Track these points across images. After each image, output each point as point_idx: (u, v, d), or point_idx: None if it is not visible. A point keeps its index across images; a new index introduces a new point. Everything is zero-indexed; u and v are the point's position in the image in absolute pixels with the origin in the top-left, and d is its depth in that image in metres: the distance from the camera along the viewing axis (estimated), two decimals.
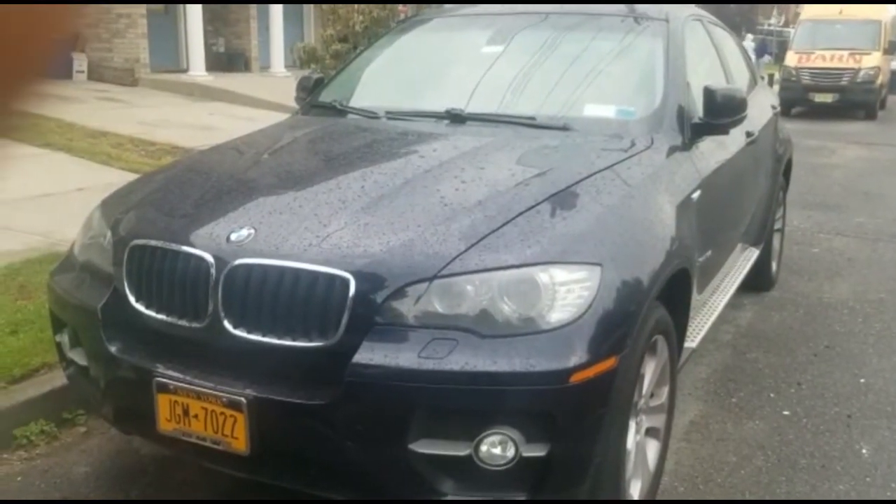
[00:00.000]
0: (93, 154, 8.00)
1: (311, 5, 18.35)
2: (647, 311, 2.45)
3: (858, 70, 17.74)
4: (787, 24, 43.60)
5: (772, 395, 3.82)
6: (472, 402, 2.13)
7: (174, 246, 2.43)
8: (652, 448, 2.82)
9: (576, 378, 2.13)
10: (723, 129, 3.37)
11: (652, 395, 2.77)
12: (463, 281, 2.20)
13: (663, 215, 2.78)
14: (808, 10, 20.00)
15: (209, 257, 2.33)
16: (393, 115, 3.49)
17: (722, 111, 3.31)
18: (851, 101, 17.86)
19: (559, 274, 2.24)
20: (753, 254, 4.71)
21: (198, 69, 15.11)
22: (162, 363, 2.40)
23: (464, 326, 2.16)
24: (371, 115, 3.53)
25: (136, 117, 10.88)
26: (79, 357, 2.73)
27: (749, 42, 27.53)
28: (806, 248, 6.58)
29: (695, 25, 4.09)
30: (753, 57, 24.55)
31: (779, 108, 5.17)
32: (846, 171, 10.61)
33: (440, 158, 2.88)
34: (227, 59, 17.45)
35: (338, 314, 2.19)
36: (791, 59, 18.72)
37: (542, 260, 2.25)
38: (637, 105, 3.37)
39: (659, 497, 2.88)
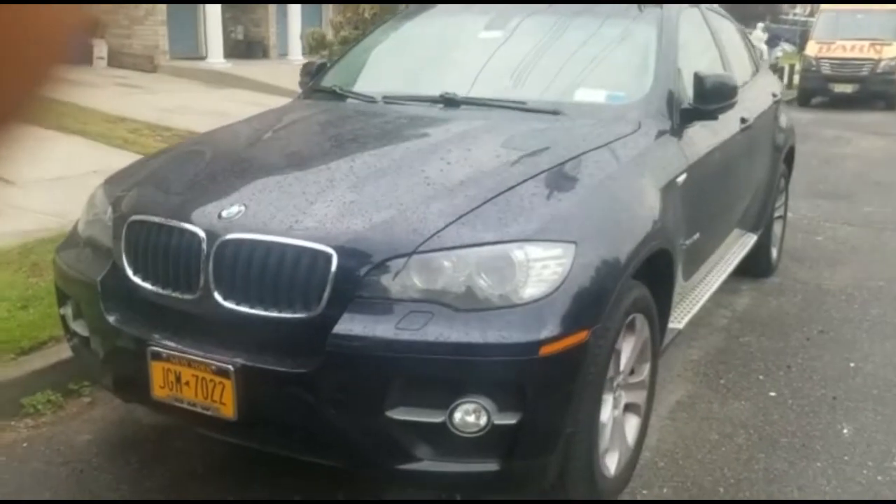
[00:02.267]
0: (109, 138, 8.15)
1: None
2: (623, 289, 2.53)
3: (879, 61, 17.57)
4: (812, 14, 43.14)
5: (760, 377, 3.89)
6: (446, 371, 2.23)
7: (169, 221, 2.54)
8: (631, 423, 2.91)
9: (545, 350, 2.22)
10: (711, 115, 3.43)
11: (632, 372, 2.86)
12: (441, 256, 2.29)
13: (644, 197, 2.86)
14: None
15: (201, 232, 2.44)
16: (390, 100, 3.59)
17: (711, 97, 3.37)
18: (871, 92, 17.69)
19: (534, 251, 2.33)
20: (751, 239, 4.77)
21: (216, 56, 15.27)
22: (156, 333, 2.52)
23: (441, 300, 2.25)
24: (369, 99, 3.63)
25: (153, 103, 11.04)
26: (81, 328, 2.86)
27: (760, 32, 27.25)
28: (810, 236, 6.60)
29: (691, 13, 4.14)
30: (764, 47, 24.29)
31: (780, 97, 5.20)
32: (860, 161, 10.56)
33: (429, 141, 2.97)
34: (245, 47, 17.61)
35: (320, 287, 2.29)
36: (812, 49, 18.56)
37: (518, 237, 2.34)
38: (627, 90, 3.44)
39: (638, 470, 2.97)
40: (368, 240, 2.33)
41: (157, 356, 2.47)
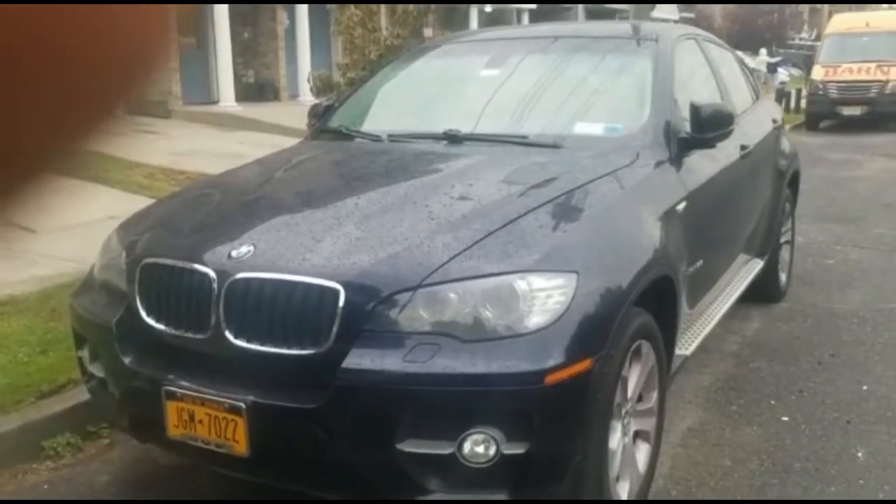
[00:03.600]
0: (125, 184, 8.31)
1: (339, 36, 18.73)
2: (626, 317, 2.57)
3: (887, 82, 17.61)
4: (818, 39, 43.36)
5: (772, 402, 3.89)
6: (454, 402, 2.28)
7: (181, 263, 2.62)
8: (642, 451, 2.93)
9: (551, 379, 2.26)
10: (709, 143, 3.49)
11: (640, 399, 2.89)
12: (446, 289, 2.35)
13: (644, 226, 2.91)
14: (834, 24, 19.93)
15: (212, 273, 2.51)
16: (395, 138, 3.67)
17: (707, 126, 3.44)
18: (880, 114, 17.70)
19: (537, 281, 2.38)
20: (757, 265, 4.79)
21: (228, 100, 15.54)
22: (170, 373, 2.58)
23: (447, 332, 2.30)
24: (374, 138, 3.72)
25: (168, 148, 11.24)
26: (98, 370, 2.92)
27: (764, 57, 27.40)
28: (821, 259, 6.61)
29: (688, 45, 4.23)
30: (766, 72, 24.28)
31: (780, 122, 5.25)
32: (870, 184, 10.57)
33: (433, 177, 3.05)
34: (257, 90, 17.91)
35: (329, 323, 2.35)
36: (818, 73, 18.64)
37: (521, 268, 2.40)
38: (625, 122, 3.51)
39: (652, 498, 2.98)
40: (375, 274, 2.39)
41: (171, 396, 2.52)
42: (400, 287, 2.35)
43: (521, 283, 2.36)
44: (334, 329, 2.34)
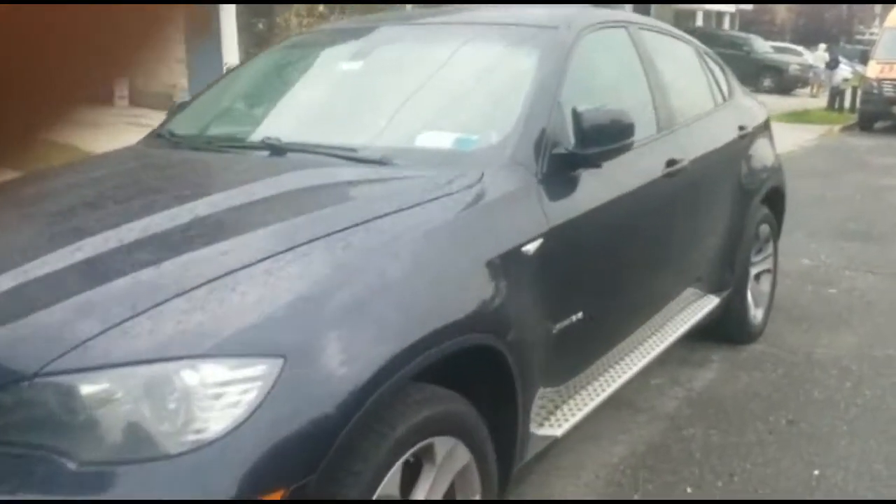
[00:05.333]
0: None
1: None
2: (385, 410, 1.83)
3: None
4: None
5: (689, 489, 3.05)
6: None
7: None
8: None
9: None
10: (591, 162, 2.68)
11: None
12: (74, 381, 1.62)
13: (448, 276, 2.13)
14: (893, 18, 18.46)
15: None
16: (206, 145, 2.95)
17: (592, 139, 2.63)
18: None
19: (213, 371, 1.64)
20: (710, 302, 3.93)
21: None
22: None
23: (56, 446, 1.57)
24: (176, 144, 3.03)
25: None
26: None
27: (822, 52, 25.82)
28: (822, 288, 5.66)
29: (607, 35, 3.39)
30: (821, 68, 22.77)
31: (754, 129, 4.33)
32: None
33: (180, 207, 2.29)
34: None
35: None
36: (872, 71, 17.29)
37: (192, 352, 1.65)
38: (484, 132, 2.72)
39: None
40: None
41: None
42: (12, 376, 1.63)
43: (186, 375, 1.62)
44: None
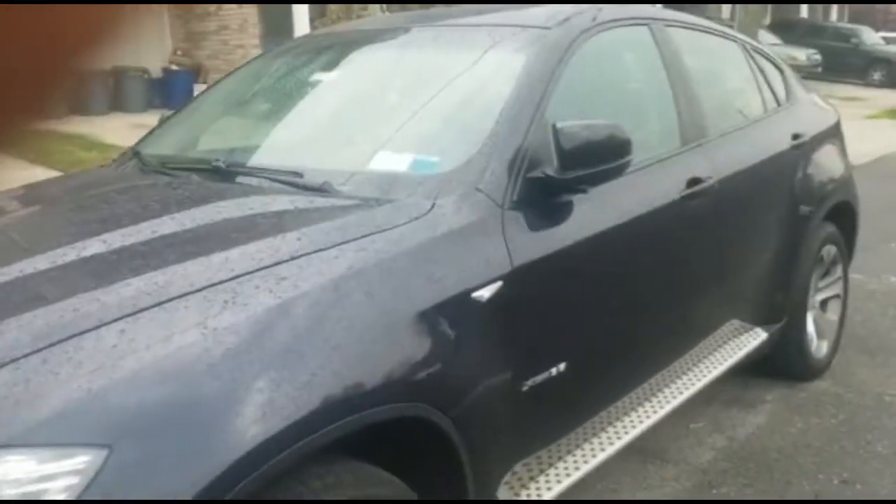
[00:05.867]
0: (66, 164, 7.85)
1: None
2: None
3: None
4: None
5: None
6: None
7: None
8: None
9: None
10: (572, 187, 2.27)
11: None
12: None
13: (362, 331, 1.77)
14: None
15: None
16: (154, 167, 2.70)
17: (574, 160, 2.23)
18: None
19: (17, 465, 1.34)
20: (756, 337, 3.43)
21: None
22: None
23: None
24: (123, 166, 2.79)
25: None
26: None
27: None
28: None
29: (623, 34, 2.96)
30: None
31: (807, 138, 3.77)
32: None
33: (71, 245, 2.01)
34: None
35: None
36: None
37: None
38: (448, 153, 2.35)
39: None
40: None
41: None
42: None
43: None
44: None
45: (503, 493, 2.15)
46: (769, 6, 25.05)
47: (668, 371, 2.95)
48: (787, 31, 23.94)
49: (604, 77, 2.84)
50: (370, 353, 1.75)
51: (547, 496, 2.23)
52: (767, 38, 22.18)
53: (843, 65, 23.61)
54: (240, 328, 1.60)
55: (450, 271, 1.98)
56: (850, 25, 28.15)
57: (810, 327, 3.89)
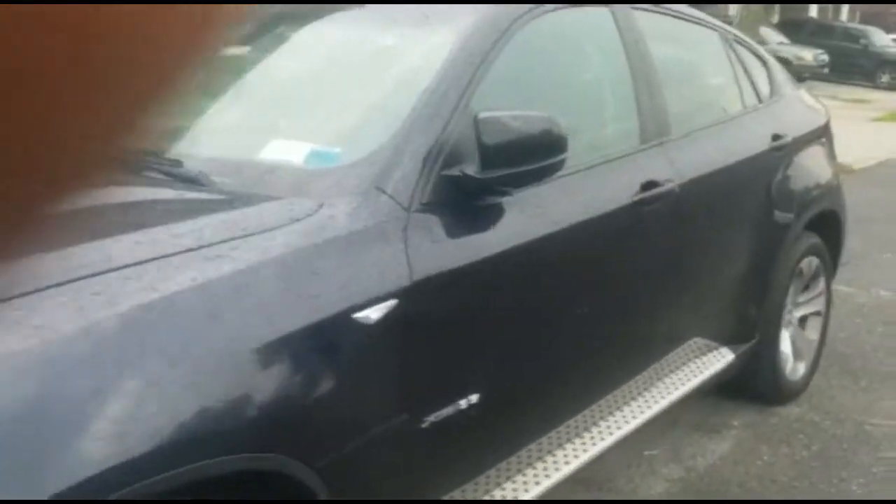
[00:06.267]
0: None
1: None
2: None
3: None
4: None
5: None
6: None
7: None
8: None
9: None
10: (494, 188, 1.94)
11: None
12: None
13: (205, 363, 1.45)
14: None
15: None
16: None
17: (497, 157, 1.90)
18: None
19: None
20: (720, 359, 3.10)
21: None
22: None
23: None
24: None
25: None
26: None
27: None
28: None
29: (578, 18, 2.62)
30: None
31: (789, 139, 3.42)
32: None
33: None
34: None
35: None
36: None
37: None
38: (353, 144, 2.02)
39: None
40: None
41: None
42: None
43: None
44: None
45: None
46: (777, 5, 24.61)
47: (617, 395, 2.63)
48: (795, 30, 23.52)
49: (551, 64, 2.50)
50: (205, 391, 1.42)
51: None
52: (774, 37, 21.77)
53: (850, 66, 23.21)
54: (19, 362, 1.27)
55: (329, 287, 1.66)
56: (859, 26, 27.70)
57: (786, 347, 3.57)
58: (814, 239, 3.62)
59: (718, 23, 3.40)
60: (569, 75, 2.58)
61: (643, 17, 2.88)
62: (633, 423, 2.60)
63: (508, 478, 2.16)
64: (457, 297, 1.90)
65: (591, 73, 2.69)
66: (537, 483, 2.20)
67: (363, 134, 2.03)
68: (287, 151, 1.99)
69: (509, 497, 2.12)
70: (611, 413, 2.59)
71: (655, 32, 2.91)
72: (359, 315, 1.66)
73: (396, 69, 2.25)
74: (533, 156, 1.94)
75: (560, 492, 2.38)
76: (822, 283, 3.79)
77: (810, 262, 3.64)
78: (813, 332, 3.80)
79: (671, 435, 3.32)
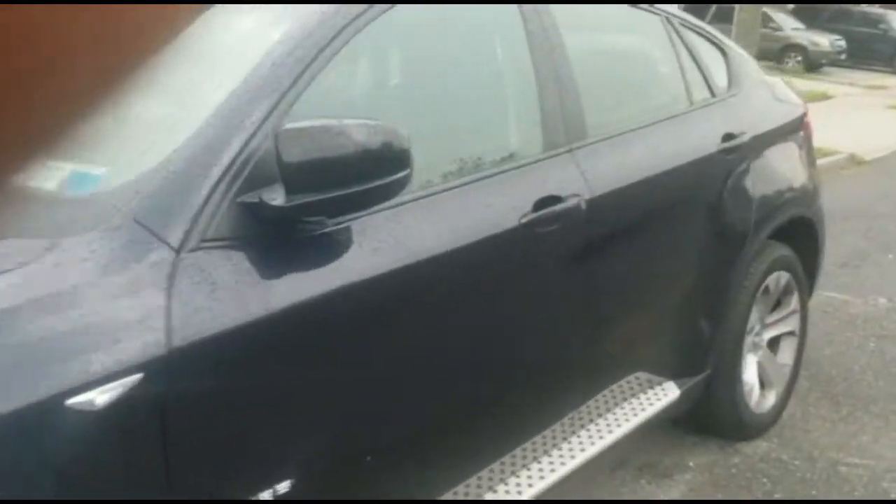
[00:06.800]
0: None
1: None
2: None
3: None
4: None
5: None
6: None
7: None
8: None
9: None
10: (296, 219, 1.52)
11: None
12: None
13: None
14: None
15: None
16: None
17: (300, 180, 1.49)
18: None
19: None
20: (663, 396, 2.66)
21: None
22: None
23: None
24: None
25: None
26: None
27: None
28: (891, 346, 4.18)
29: (461, 7, 2.18)
30: None
31: (746, 138, 2.95)
32: None
33: None
34: None
35: None
36: None
37: None
38: (124, 163, 1.60)
39: None
40: None
41: None
42: None
43: None
44: None
45: None
46: None
47: (528, 448, 2.20)
48: (812, 16, 22.77)
49: (415, 63, 2.08)
50: None
51: None
52: (789, 23, 21.08)
53: (869, 51, 22.43)
54: None
55: (33, 362, 1.25)
56: (878, 10, 26.80)
57: (749, 376, 3.12)
58: (782, 251, 3.16)
59: (663, 7, 2.93)
60: (445, 72, 2.14)
61: (559, 4, 2.43)
62: (551, 478, 2.18)
63: None
64: (245, 364, 1.48)
65: (478, 69, 2.24)
66: None
67: (141, 150, 1.61)
68: (49, 175, 1.58)
69: None
70: (525, 466, 2.17)
71: (573, 20, 2.46)
72: (74, 401, 1.24)
73: (203, 69, 1.83)
74: (358, 175, 1.53)
75: None
76: (794, 301, 3.32)
77: (779, 278, 3.18)
78: (786, 356, 3.34)
79: (613, 480, 2.89)
